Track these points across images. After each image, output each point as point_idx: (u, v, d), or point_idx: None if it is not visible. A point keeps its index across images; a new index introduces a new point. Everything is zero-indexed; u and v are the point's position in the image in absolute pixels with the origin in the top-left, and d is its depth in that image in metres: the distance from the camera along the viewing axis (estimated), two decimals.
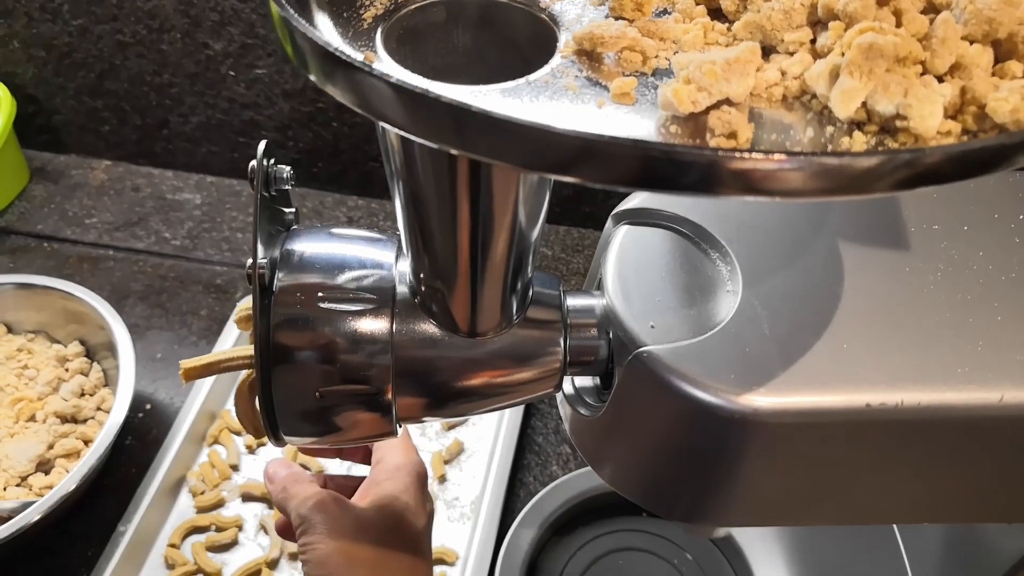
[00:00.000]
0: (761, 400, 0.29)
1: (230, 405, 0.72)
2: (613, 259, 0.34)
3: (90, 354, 0.72)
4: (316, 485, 0.40)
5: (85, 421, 0.67)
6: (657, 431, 0.32)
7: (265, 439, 0.70)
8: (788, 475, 0.32)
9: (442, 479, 0.68)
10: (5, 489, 0.62)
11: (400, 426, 0.34)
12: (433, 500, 0.66)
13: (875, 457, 0.31)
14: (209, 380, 0.71)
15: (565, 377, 0.35)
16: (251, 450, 0.69)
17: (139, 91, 0.85)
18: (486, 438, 0.70)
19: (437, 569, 0.63)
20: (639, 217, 0.35)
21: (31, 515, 0.56)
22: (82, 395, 0.69)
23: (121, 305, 0.78)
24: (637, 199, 0.36)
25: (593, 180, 0.18)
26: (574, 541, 0.64)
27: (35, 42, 0.84)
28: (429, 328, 0.32)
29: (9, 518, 0.57)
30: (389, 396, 0.32)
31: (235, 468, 0.68)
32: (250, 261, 0.30)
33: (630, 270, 0.33)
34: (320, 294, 0.31)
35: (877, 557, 0.51)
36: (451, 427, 0.71)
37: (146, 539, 0.63)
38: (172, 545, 0.63)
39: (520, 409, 0.70)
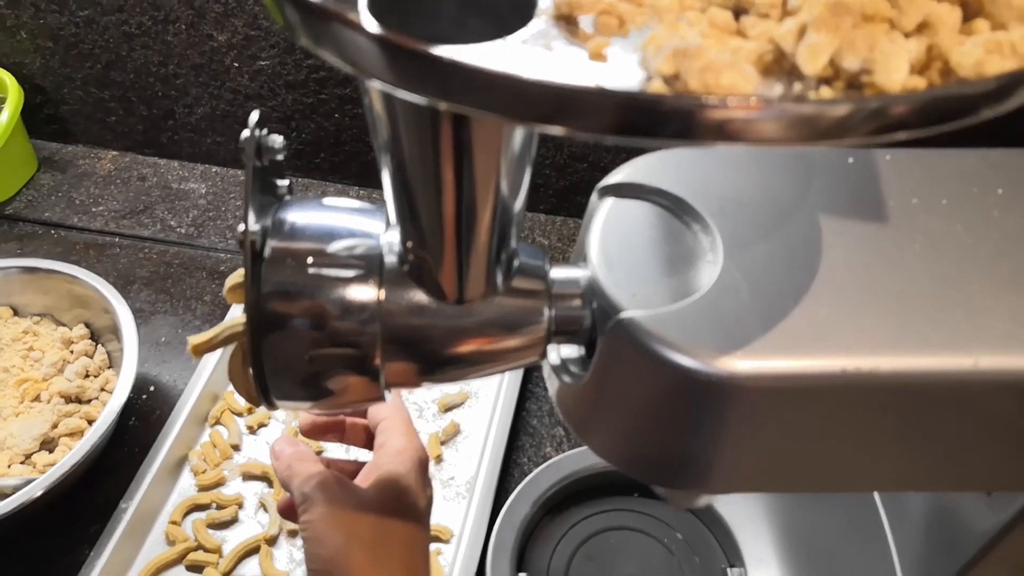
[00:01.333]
0: (739, 364, 0.30)
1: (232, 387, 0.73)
2: (597, 231, 0.35)
3: (95, 337, 0.73)
4: (320, 464, 0.41)
5: (89, 401, 0.69)
6: (638, 397, 0.33)
7: (261, 411, 0.71)
8: (768, 441, 0.32)
9: (438, 459, 0.68)
10: (10, 467, 0.63)
11: (389, 391, 0.35)
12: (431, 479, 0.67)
13: (853, 423, 0.32)
14: (211, 362, 0.72)
15: (551, 346, 0.36)
16: (252, 431, 0.71)
17: (145, 82, 0.86)
18: (482, 420, 0.71)
19: (432, 546, 0.64)
20: (623, 191, 0.36)
21: (33, 491, 0.58)
22: (86, 376, 0.70)
23: (126, 290, 0.79)
24: (622, 174, 0.36)
25: (565, 126, 0.19)
26: (567, 520, 0.64)
27: (42, 33, 0.85)
28: (416, 295, 0.33)
29: (13, 494, 0.58)
30: (377, 361, 0.33)
31: (236, 448, 0.69)
32: (242, 227, 0.31)
33: (613, 241, 0.34)
34: (310, 260, 0.32)
35: (863, 535, 0.51)
36: (448, 409, 0.72)
37: (148, 516, 0.64)
38: (173, 522, 0.64)
39: (515, 392, 0.71)
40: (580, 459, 0.66)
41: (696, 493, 0.40)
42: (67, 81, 0.88)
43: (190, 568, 0.63)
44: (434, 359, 0.34)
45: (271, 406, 0.34)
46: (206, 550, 0.63)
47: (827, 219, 0.34)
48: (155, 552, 0.63)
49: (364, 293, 0.32)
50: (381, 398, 0.34)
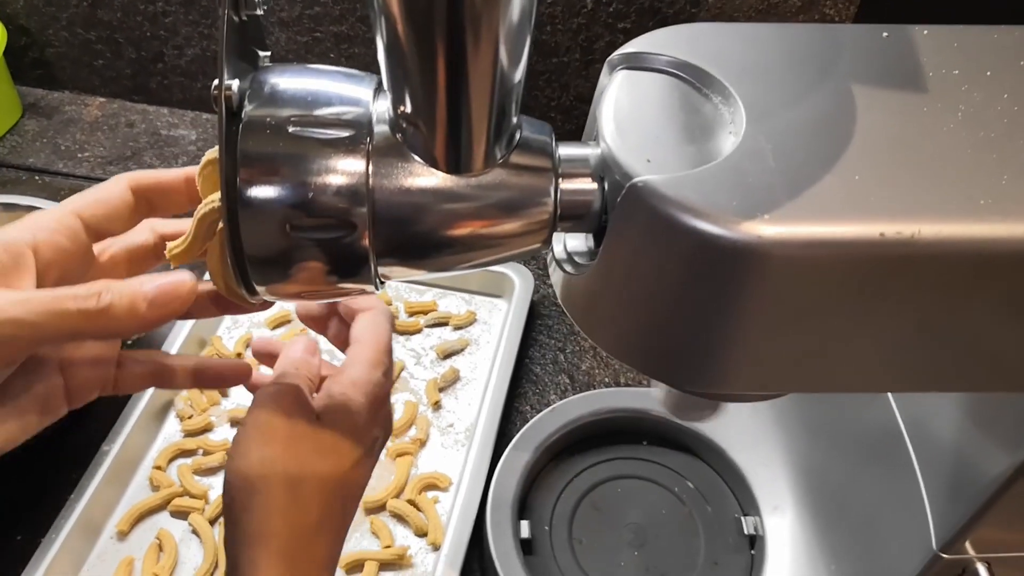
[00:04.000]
0: (765, 228, 0.27)
1: (220, 331, 0.71)
2: (609, 102, 0.32)
3: None
4: (307, 372, 0.37)
5: None
6: (652, 275, 0.29)
7: (250, 356, 0.66)
8: (791, 324, 0.29)
9: (436, 406, 0.66)
10: None
11: (381, 282, 0.32)
12: (426, 427, 0.63)
13: (887, 303, 0.29)
14: None
15: (556, 236, 0.33)
16: None
17: (132, 21, 0.83)
18: (482, 367, 0.68)
19: (430, 494, 0.61)
20: (636, 62, 0.33)
21: None
22: None
23: None
24: (635, 46, 0.33)
25: None
26: (571, 467, 0.61)
27: None
28: (409, 166, 0.30)
29: None
30: (366, 241, 0.30)
31: (224, 394, 0.66)
32: (216, 83, 0.28)
33: (626, 112, 0.31)
34: (292, 125, 0.29)
35: (887, 477, 0.48)
36: (447, 356, 0.69)
37: (131, 460, 0.62)
38: (158, 467, 0.61)
39: (517, 338, 0.68)
40: (586, 404, 0.63)
41: (706, 400, 0.37)
42: (52, 21, 0.85)
43: (175, 514, 0.60)
44: (429, 240, 0.30)
45: (253, 296, 0.31)
46: (192, 496, 0.60)
47: (858, 88, 0.31)
48: (139, 497, 0.60)
49: (352, 162, 0.29)
50: (371, 281, 0.31)
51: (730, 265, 0.27)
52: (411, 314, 0.72)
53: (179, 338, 0.67)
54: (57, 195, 0.80)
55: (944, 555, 0.42)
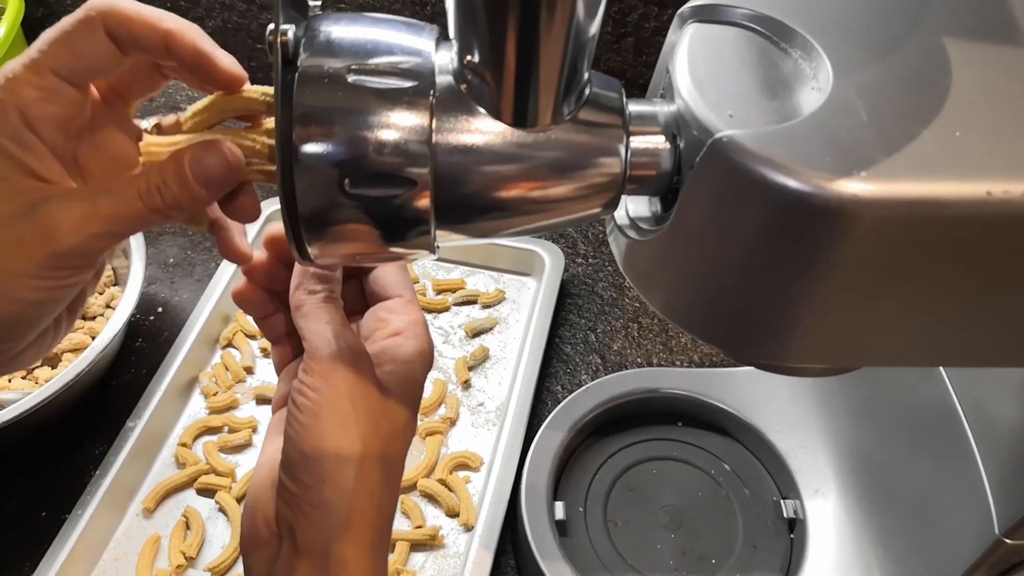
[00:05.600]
0: (861, 187, 0.25)
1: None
2: (682, 56, 0.30)
3: None
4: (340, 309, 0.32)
5: (94, 318, 0.64)
6: (730, 238, 0.28)
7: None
8: (876, 291, 0.27)
9: (466, 384, 0.64)
10: (11, 380, 0.59)
11: (438, 245, 0.30)
12: (456, 406, 0.62)
13: (986, 267, 0.27)
14: (222, 282, 0.68)
15: (622, 197, 0.31)
16: (266, 353, 0.66)
17: None
18: (512, 345, 0.67)
19: (460, 474, 0.59)
20: (708, 15, 0.31)
21: (29, 402, 0.53)
22: None
23: None
24: None
25: None
26: (605, 448, 0.60)
27: None
28: (472, 115, 0.28)
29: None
30: (427, 197, 0.28)
31: (249, 371, 0.65)
32: (271, 28, 0.27)
33: (701, 67, 0.29)
34: (351, 74, 0.27)
35: (941, 459, 0.47)
36: (476, 334, 0.68)
37: (156, 437, 0.60)
38: (183, 444, 0.60)
39: (548, 318, 0.66)
40: (620, 383, 0.61)
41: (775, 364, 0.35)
42: None
43: (201, 492, 0.58)
44: (491, 198, 0.29)
45: (303, 257, 0.30)
46: (218, 474, 0.59)
47: (951, 42, 0.29)
48: (164, 474, 0.59)
49: (415, 114, 0.27)
50: (430, 246, 0.29)
51: (820, 226, 0.26)
52: (439, 292, 0.70)
53: (203, 313, 0.66)
54: None
55: (1008, 540, 0.40)
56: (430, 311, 0.69)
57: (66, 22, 0.29)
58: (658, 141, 0.30)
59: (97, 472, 0.56)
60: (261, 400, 0.63)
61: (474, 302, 0.70)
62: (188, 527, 0.57)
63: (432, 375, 0.65)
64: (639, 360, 0.67)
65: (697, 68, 0.29)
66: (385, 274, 0.35)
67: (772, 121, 0.27)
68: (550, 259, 0.70)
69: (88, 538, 0.54)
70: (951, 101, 0.27)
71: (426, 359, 0.33)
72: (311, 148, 0.27)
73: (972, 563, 0.41)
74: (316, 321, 0.31)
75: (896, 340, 0.30)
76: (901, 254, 0.26)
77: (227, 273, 0.68)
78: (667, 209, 0.32)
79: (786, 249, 0.27)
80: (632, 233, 0.32)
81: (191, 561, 0.55)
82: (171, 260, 0.72)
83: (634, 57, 0.78)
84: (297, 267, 0.34)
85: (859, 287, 0.27)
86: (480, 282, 0.72)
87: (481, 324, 0.68)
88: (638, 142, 0.29)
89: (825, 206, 0.25)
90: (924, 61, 0.28)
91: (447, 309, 0.69)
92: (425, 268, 0.72)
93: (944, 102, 0.27)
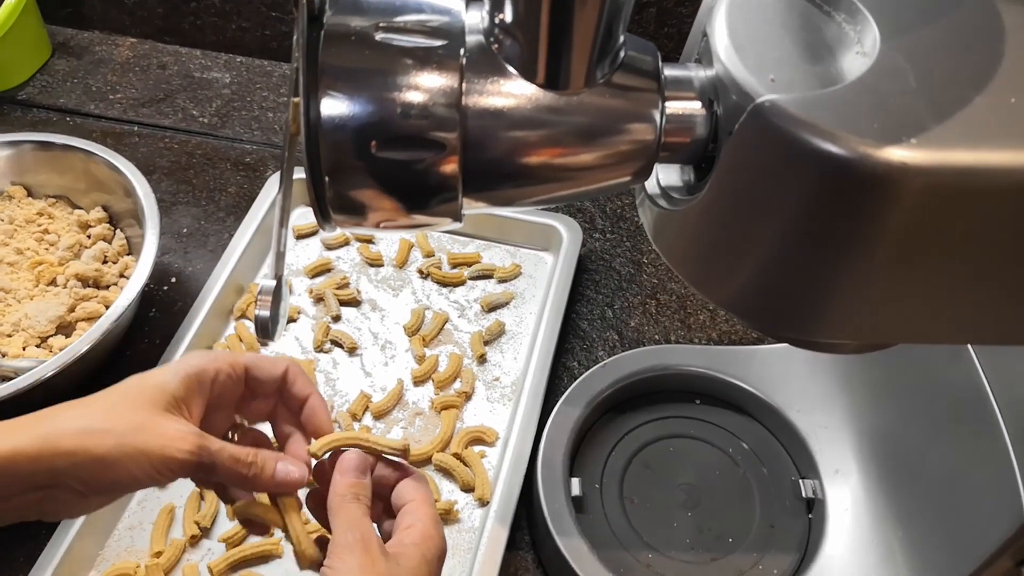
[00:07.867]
0: (910, 154, 0.24)
1: (259, 279, 0.69)
2: (721, 19, 0.29)
3: (113, 221, 0.68)
4: (367, 507, 0.38)
5: (107, 287, 0.64)
6: (770, 206, 0.27)
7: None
8: (920, 263, 0.27)
9: (482, 359, 0.63)
10: (24, 348, 0.59)
11: (464, 213, 0.29)
12: (471, 380, 0.62)
13: None
14: (236, 253, 0.67)
15: (655, 164, 0.30)
16: None
17: None
18: (528, 320, 0.66)
19: (476, 448, 0.59)
20: None
21: (46, 370, 0.53)
22: (104, 262, 0.65)
23: (147, 180, 0.74)
24: None
25: None
26: (622, 425, 0.59)
27: None
28: (503, 76, 0.27)
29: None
30: (455, 161, 0.27)
31: (264, 343, 0.64)
32: None
33: (741, 30, 0.28)
34: (380, 25, 0.26)
35: (967, 437, 0.46)
36: (491, 309, 0.67)
37: None
38: None
39: (565, 292, 0.65)
40: (637, 360, 0.60)
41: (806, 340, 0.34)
42: None
43: None
44: (522, 163, 0.28)
45: (326, 221, 0.29)
46: None
47: (1004, 3, 0.28)
48: None
49: (445, 74, 0.26)
50: (456, 213, 0.29)
51: (866, 195, 0.25)
52: (454, 265, 0.69)
53: (217, 284, 0.65)
54: (88, 137, 0.78)
55: None
56: (445, 284, 0.68)
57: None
58: (694, 107, 0.29)
59: None
60: None
61: (490, 276, 0.69)
62: (202, 497, 0.56)
63: (448, 349, 0.64)
64: (657, 337, 0.67)
65: (737, 31, 0.28)
66: (403, 487, 0.40)
67: (816, 86, 0.26)
68: (568, 234, 0.69)
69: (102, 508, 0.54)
70: (1005, 66, 0.26)
71: (430, 541, 0.38)
72: (336, 109, 0.26)
73: (999, 546, 0.41)
74: (344, 513, 0.37)
75: (935, 316, 0.29)
76: (948, 225, 0.25)
77: (241, 243, 0.68)
78: (701, 178, 0.31)
79: (829, 219, 0.26)
80: (663, 203, 0.31)
81: (205, 532, 0.55)
82: (185, 230, 0.72)
83: (656, 29, 0.77)
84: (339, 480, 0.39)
85: (902, 259, 0.26)
86: (496, 256, 0.71)
87: (497, 299, 0.67)
88: (673, 107, 0.28)
89: (872, 174, 0.24)
90: (975, 24, 0.27)
91: (463, 283, 0.68)
92: (440, 241, 0.71)
93: (997, 67, 0.26)
